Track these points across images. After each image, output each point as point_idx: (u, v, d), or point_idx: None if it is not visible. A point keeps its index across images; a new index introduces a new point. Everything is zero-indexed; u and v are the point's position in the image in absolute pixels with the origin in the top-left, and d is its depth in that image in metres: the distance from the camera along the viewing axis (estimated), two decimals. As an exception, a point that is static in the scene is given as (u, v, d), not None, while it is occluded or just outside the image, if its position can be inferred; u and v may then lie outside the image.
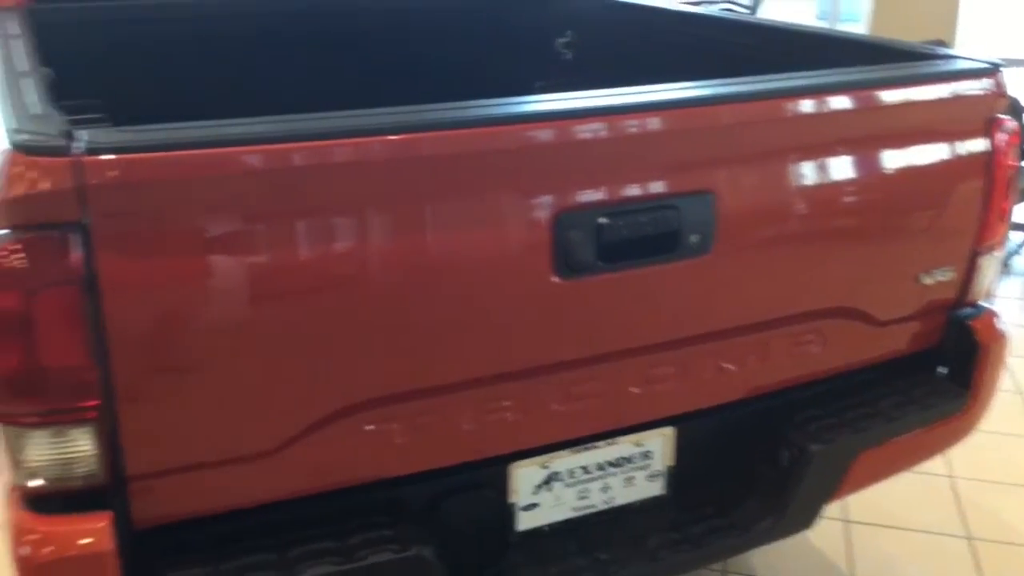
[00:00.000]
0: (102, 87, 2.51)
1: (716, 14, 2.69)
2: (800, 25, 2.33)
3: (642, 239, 1.50)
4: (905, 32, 6.70)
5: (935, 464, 2.98)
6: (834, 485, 1.81)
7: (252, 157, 1.25)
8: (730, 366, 1.71)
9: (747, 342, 1.70)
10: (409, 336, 1.40)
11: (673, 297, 1.57)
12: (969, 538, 2.65)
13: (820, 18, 13.84)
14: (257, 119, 1.30)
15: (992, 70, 1.76)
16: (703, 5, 6.73)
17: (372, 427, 1.44)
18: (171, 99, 2.59)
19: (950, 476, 2.95)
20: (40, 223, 1.18)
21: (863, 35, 2.28)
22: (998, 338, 1.93)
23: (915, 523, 2.72)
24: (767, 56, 2.29)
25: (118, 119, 2.49)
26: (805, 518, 1.81)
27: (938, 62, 1.80)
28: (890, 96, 1.67)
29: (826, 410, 1.83)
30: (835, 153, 1.65)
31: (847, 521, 2.70)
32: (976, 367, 1.91)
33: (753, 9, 7.03)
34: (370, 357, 1.39)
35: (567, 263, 1.45)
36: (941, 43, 5.21)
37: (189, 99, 2.67)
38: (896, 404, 1.87)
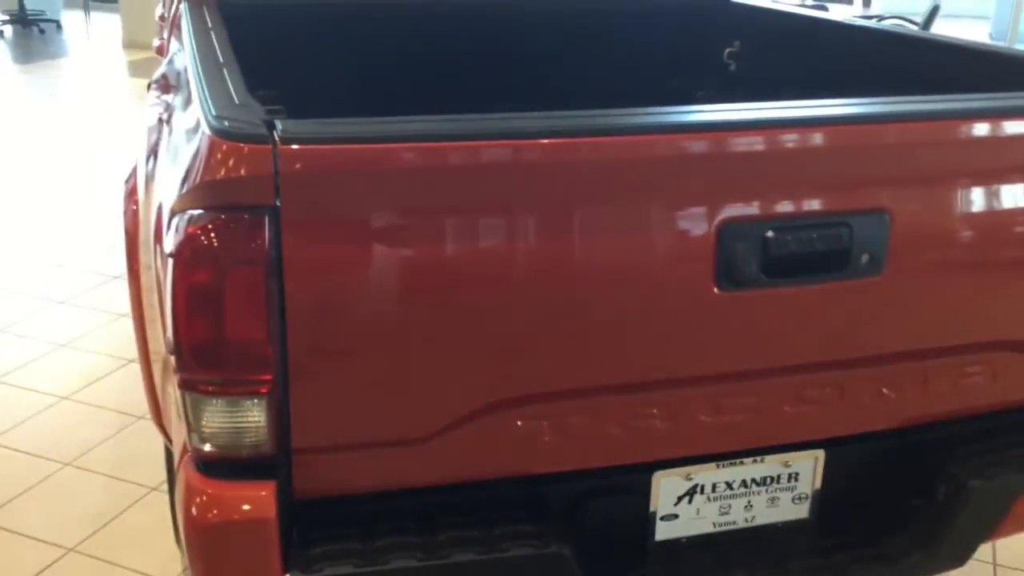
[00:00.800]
0: (281, 79, 2.64)
1: (886, 28, 2.59)
2: (976, 43, 2.22)
3: (810, 255, 1.46)
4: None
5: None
6: (992, 525, 1.73)
7: (433, 153, 1.29)
8: (889, 393, 1.65)
9: (910, 369, 1.64)
10: (565, 337, 1.42)
11: (837, 317, 1.53)
12: None
13: (995, 38, 13.17)
14: (440, 117, 1.34)
15: None
16: (874, 19, 6.50)
17: (522, 423, 1.46)
18: (345, 93, 2.71)
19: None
20: (237, 205, 1.25)
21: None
22: None
23: (1073, 575, 2.56)
24: (938, 73, 2.20)
25: (296, 111, 2.62)
26: (958, 556, 1.73)
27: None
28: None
29: (989, 446, 1.75)
30: (1013, 180, 1.57)
31: (995, 564, 2.57)
32: None
33: (925, 26, 6.74)
34: (525, 355, 1.42)
35: (729, 275, 1.43)
36: None
37: (361, 93, 2.79)
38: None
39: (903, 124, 1.48)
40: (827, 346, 1.56)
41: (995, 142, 1.54)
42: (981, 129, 1.52)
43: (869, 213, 1.48)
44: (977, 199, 1.55)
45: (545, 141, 1.33)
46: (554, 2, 3.06)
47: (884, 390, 1.65)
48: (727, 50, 3.03)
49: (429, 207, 1.32)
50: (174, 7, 2.55)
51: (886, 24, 6.46)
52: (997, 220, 1.57)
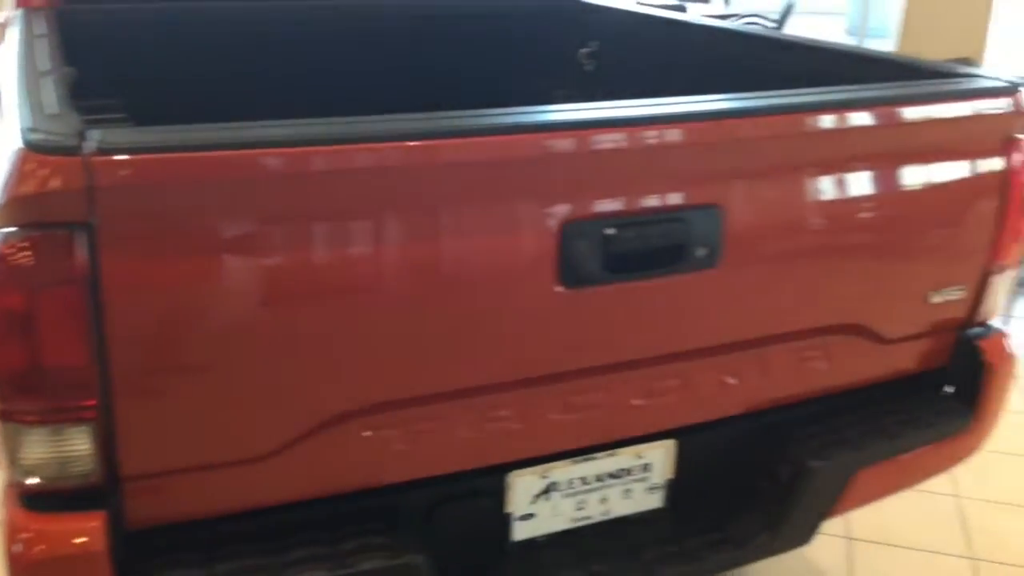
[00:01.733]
0: (125, 87, 2.52)
1: (738, 28, 2.67)
2: (821, 41, 2.30)
3: (648, 251, 1.49)
4: (933, 49, 6.65)
5: (941, 483, 2.96)
6: (833, 502, 1.80)
7: (261, 161, 1.25)
8: (733, 380, 1.70)
9: (752, 356, 1.69)
10: (410, 344, 1.40)
11: (678, 310, 1.56)
12: (972, 559, 2.63)
13: (849, 33, 13.78)
14: (268, 123, 1.30)
15: (1012, 89, 1.74)
16: (732, 19, 6.70)
17: (370, 433, 1.44)
18: (191, 100, 2.61)
19: (956, 496, 2.92)
20: (49, 222, 1.18)
21: (883, 52, 2.25)
22: (1007, 359, 1.91)
23: (918, 542, 2.70)
24: (786, 71, 2.28)
25: (140, 119, 2.51)
26: (802, 535, 1.80)
27: (957, 80, 1.79)
28: (905, 113, 1.65)
29: (828, 427, 1.82)
30: (846, 169, 1.63)
31: (850, 538, 2.69)
32: (983, 387, 1.89)
33: (780, 23, 6.99)
34: (370, 363, 1.39)
35: (571, 273, 1.44)
36: (968, 61, 5.17)
37: (210, 100, 2.69)
38: (899, 422, 1.86)
39: (731, 120, 1.52)
40: (670, 338, 1.59)
41: (824, 135, 1.60)
42: (810, 123, 1.57)
43: (702, 208, 1.51)
44: (808, 191, 1.60)
45: (379, 145, 1.31)
46: (410, 6, 3.04)
47: (728, 378, 1.69)
48: (583, 51, 3.06)
49: (258, 216, 1.27)
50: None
51: (743, 23, 6.69)
52: (829, 210, 1.63)
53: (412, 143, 1.31)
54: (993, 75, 1.78)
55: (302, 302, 1.32)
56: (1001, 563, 2.62)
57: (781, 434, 1.80)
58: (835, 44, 2.27)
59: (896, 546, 2.68)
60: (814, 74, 1.98)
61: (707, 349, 1.63)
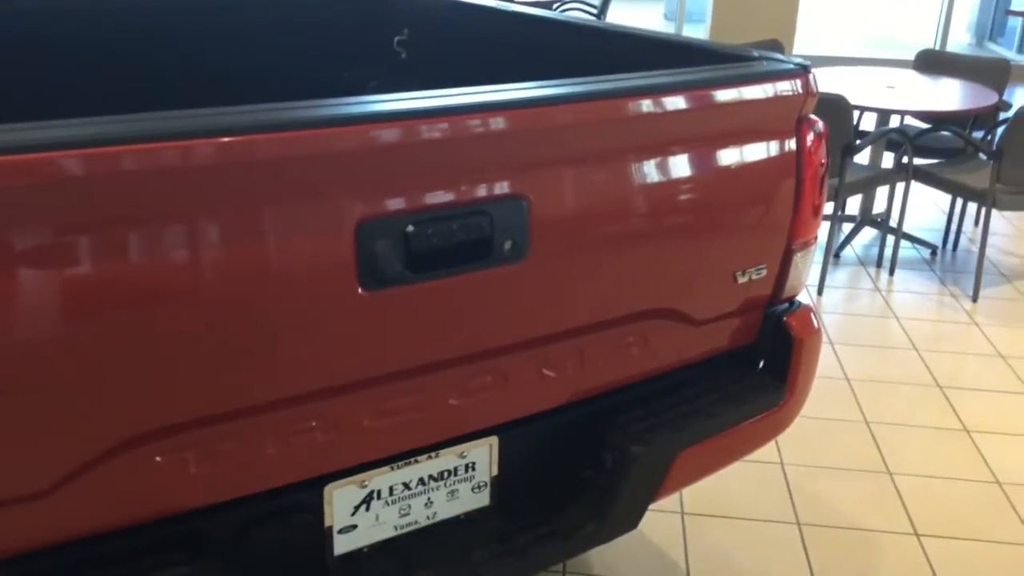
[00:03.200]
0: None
1: (548, 15, 2.66)
2: (621, 27, 2.33)
3: (453, 247, 1.45)
4: (744, 32, 6.94)
5: (768, 452, 3.08)
6: (657, 485, 1.82)
7: (48, 163, 1.13)
8: (551, 372, 1.68)
9: (567, 347, 1.68)
10: (202, 358, 1.31)
11: (489, 305, 1.53)
12: (798, 524, 2.74)
13: (668, 18, 14.24)
14: (47, 123, 1.17)
15: (802, 71, 1.79)
16: (555, 6, 6.75)
17: (162, 458, 1.34)
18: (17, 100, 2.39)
19: (781, 463, 3.04)
20: None
21: (688, 38, 2.29)
22: (812, 332, 1.98)
23: (748, 511, 2.79)
24: (593, 58, 2.29)
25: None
26: (629, 520, 1.81)
27: (751, 64, 1.83)
28: (700, 98, 1.67)
29: (648, 411, 1.84)
30: (647, 157, 1.64)
31: (683, 513, 2.75)
32: (792, 361, 1.96)
33: (601, 10, 7.11)
34: (154, 383, 1.29)
35: (372, 274, 1.38)
36: (776, 44, 5.41)
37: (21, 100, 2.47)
38: (715, 401, 1.90)
39: (532, 109, 1.49)
40: (482, 335, 1.56)
41: (622, 122, 1.60)
42: (607, 111, 1.57)
43: (507, 200, 1.49)
44: (612, 179, 1.60)
45: (159, 144, 1.20)
46: None
47: (546, 370, 1.67)
48: (396, 38, 2.99)
49: (33, 222, 1.15)
50: None
51: (563, 9, 6.76)
52: (634, 198, 1.63)
53: (185, 142, 1.22)
54: (785, 58, 1.83)
55: (71, 317, 1.20)
56: (823, 526, 2.74)
57: (603, 422, 1.80)
58: (636, 30, 2.29)
59: (728, 517, 2.76)
60: (617, 60, 1.99)
61: (521, 344, 1.61)
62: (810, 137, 1.82)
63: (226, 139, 1.24)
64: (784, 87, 1.76)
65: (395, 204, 1.39)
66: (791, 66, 1.78)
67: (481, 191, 1.46)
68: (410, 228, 1.40)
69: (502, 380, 1.63)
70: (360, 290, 1.38)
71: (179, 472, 1.35)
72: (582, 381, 1.74)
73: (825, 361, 3.68)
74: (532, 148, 1.51)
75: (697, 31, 8.77)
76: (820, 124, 1.84)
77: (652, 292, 1.74)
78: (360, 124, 1.33)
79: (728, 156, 1.74)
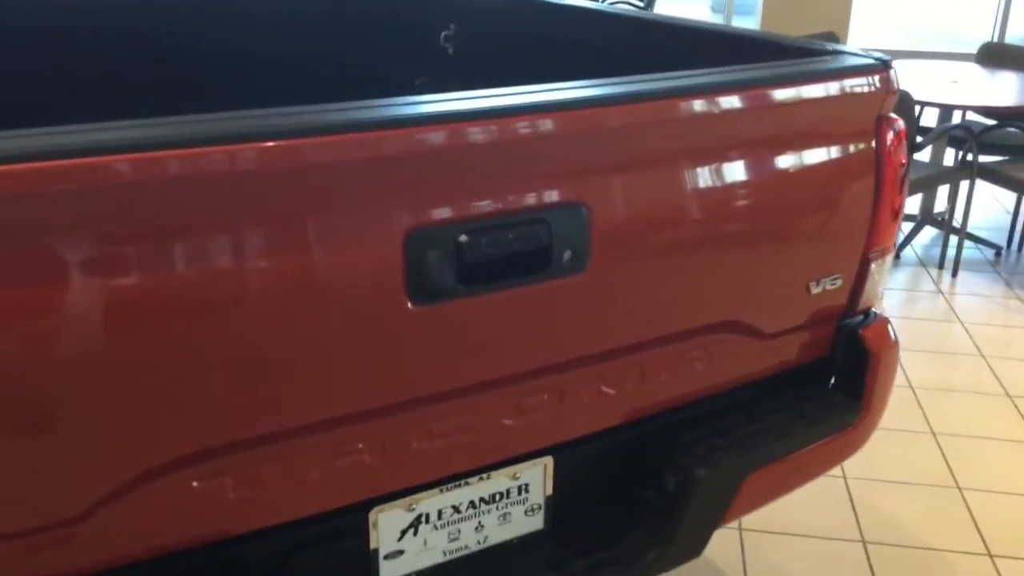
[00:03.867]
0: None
1: (601, 9, 2.55)
2: (682, 20, 2.21)
3: (508, 258, 1.34)
4: (796, 25, 6.75)
5: (829, 464, 2.94)
6: (723, 510, 1.70)
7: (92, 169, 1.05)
8: (610, 390, 1.57)
9: (628, 364, 1.57)
10: (242, 378, 1.22)
11: (546, 320, 1.43)
12: (863, 542, 2.61)
13: (715, 10, 14.00)
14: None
15: (882, 66, 1.66)
16: (601, 1, 6.61)
17: (199, 483, 1.25)
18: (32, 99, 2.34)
19: (844, 477, 2.91)
20: None
21: (749, 31, 2.16)
22: (889, 346, 1.85)
23: (811, 528, 2.66)
24: (648, 53, 2.17)
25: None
26: (693, 547, 1.69)
27: (825, 58, 1.70)
28: (773, 96, 1.55)
29: (714, 430, 1.72)
30: (716, 159, 1.52)
31: (741, 530, 2.63)
32: (868, 377, 1.83)
33: (648, 3, 6.96)
34: (192, 403, 1.20)
35: (422, 287, 1.28)
36: (832, 36, 5.23)
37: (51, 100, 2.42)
38: (786, 420, 1.78)
39: (591, 110, 1.38)
40: (540, 351, 1.46)
41: (689, 123, 1.48)
42: (673, 111, 1.46)
43: (566, 207, 1.38)
44: (677, 184, 1.49)
45: (204, 149, 1.12)
46: None
47: (605, 388, 1.57)
48: (443, 33, 2.90)
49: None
50: None
51: (611, 3, 6.63)
52: (701, 204, 1.52)
53: (222, 147, 1.13)
54: (863, 52, 1.70)
55: (94, 337, 1.12)
56: (893, 545, 2.60)
57: (665, 442, 1.69)
58: (695, 23, 2.17)
59: (789, 534, 2.63)
60: (679, 56, 1.87)
61: (580, 360, 1.50)
62: (890, 137, 1.69)
63: (271, 143, 1.15)
64: (863, 83, 1.63)
65: (446, 212, 1.29)
66: (871, 61, 1.65)
67: (538, 198, 1.36)
68: (463, 238, 1.30)
69: (558, 399, 1.52)
70: (409, 305, 1.29)
71: (217, 498, 1.27)
72: (643, 398, 1.63)
73: (888, 368, 3.52)
74: (591, 151, 1.40)
75: (746, 24, 8.57)
76: (900, 123, 1.71)
77: (718, 304, 1.62)
78: (410, 127, 1.23)
79: (802, 158, 1.62)
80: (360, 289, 1.26)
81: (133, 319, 1.13)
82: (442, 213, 1.29)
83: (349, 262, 1.24)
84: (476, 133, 1.27)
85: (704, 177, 1.51)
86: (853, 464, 2.94)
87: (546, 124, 1.33)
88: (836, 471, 2.91)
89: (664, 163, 1.47)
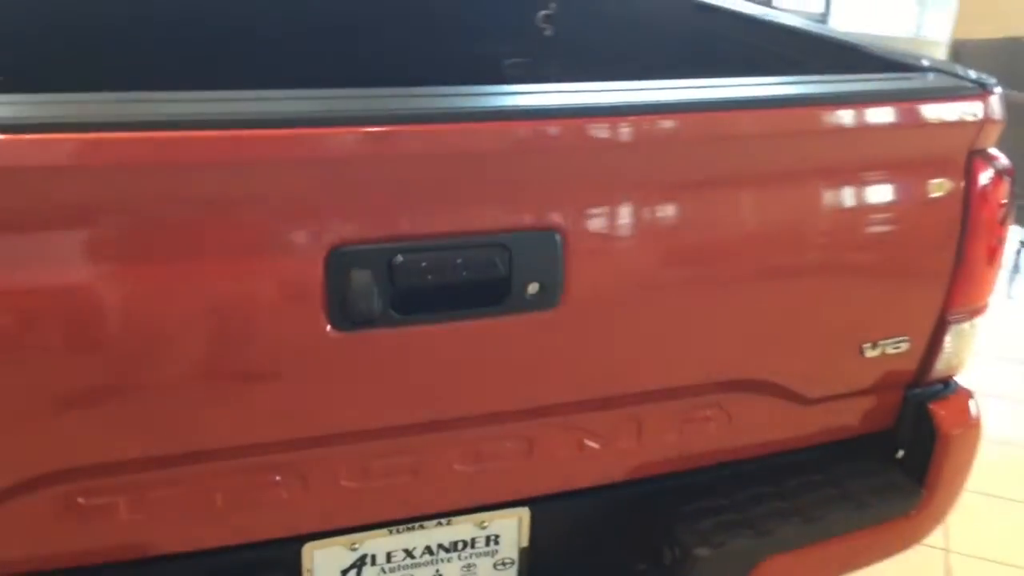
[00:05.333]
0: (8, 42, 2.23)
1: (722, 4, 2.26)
2: (804, 24, 1.88)
3: (455, 286, 1.14)
4: (996, 22, 6.02)
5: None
6: (728, 597, 1.45)
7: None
8: (595, 444, 1.35)
9: (618, 416, 1.34)
10: (133, 394, 1.09)
11: (505, 360, 1.22)
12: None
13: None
14: None
15: (979, 91, 1.34)
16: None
17: (85, 500, 1.13)
18: (87, 60, 2.31)
19: (945, 550, 2.53)
20: None
21: (828, 31, 1.83)
22: (966, 426, 1.53)
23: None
24: (772, 52, 1.88)
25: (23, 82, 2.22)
26: (686, 634, 1.45)
27: (911, 76, 1.39)
28: (834, 117, 1.27)
29: (728, 502, 1.47)
30: (743, 186, 1.26)
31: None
32: (934, 460, 1.52)
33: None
34: (88, 409, 1.09)
35: (344, 311, 1.11)
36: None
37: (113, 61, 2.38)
38: (823, 499, 1.49)
39: (584, 120, 1.15)
40: (497, 394, 1.25)
41: (710, 141, 1.23)
42: (690, 126, 1.21)
43: (535, 231, 1.16)
44: (686, 212, 1.24)
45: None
46: None
47: (587, 441, 1.35)
48: (542, 12, 2.68)
49: None
50: None
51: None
52: (717, 240, 1.26)
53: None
54: (959, 71, 1.38)
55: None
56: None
57: (668, 507, 1.45)
58: (774, 20, 1.85)
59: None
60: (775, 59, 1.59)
61: (551, 408, 1.29)
62: (985, 176, 1.36)
63: (167, 134, 1.00)
64: (950, 110, 1.31)
65: (377, 228, 1.10)
66: (964, 84, 1.33)
67: (500, 218, 1.15)
68: (397, 259, 1.11)
69: (527, 448, 1.32)
70: (329, 329, 1.11)
71: (104, 518, 1.15)
72: (640, 456, 1.40)
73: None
74: (575, 168, 1.18)
75: (940, 17, 7.80)
76: (1002, 160, 1.38)
77: (740, 359, 1.36)
78: (336, 126, 1.05)
79: (859, 193, 1.33)
80: (273, 306, 1.10)
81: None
82: (374, 230, 1.10)
83: (262, 276, 1.08)
84: (413, 138, 1.08)
85: (721, 209, 1.25)
86: (958, 535, 2.56)
87: (513, 133, 1.12)
88: (936, 541, 2.54)
89: (670, 188, 1.22)
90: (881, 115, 1.29)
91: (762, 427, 1.45)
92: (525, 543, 1.43)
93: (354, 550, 1.35)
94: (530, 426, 1.30)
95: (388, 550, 1.37)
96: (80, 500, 1.13)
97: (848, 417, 1.51)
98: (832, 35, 1.75)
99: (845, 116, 1.27)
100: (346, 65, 2.37)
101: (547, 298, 1.18)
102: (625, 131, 1.17)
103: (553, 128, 1.13)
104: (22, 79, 2.14)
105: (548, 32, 2.68)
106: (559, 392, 1.28)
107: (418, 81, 1.17)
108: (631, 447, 1.37)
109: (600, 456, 1.37)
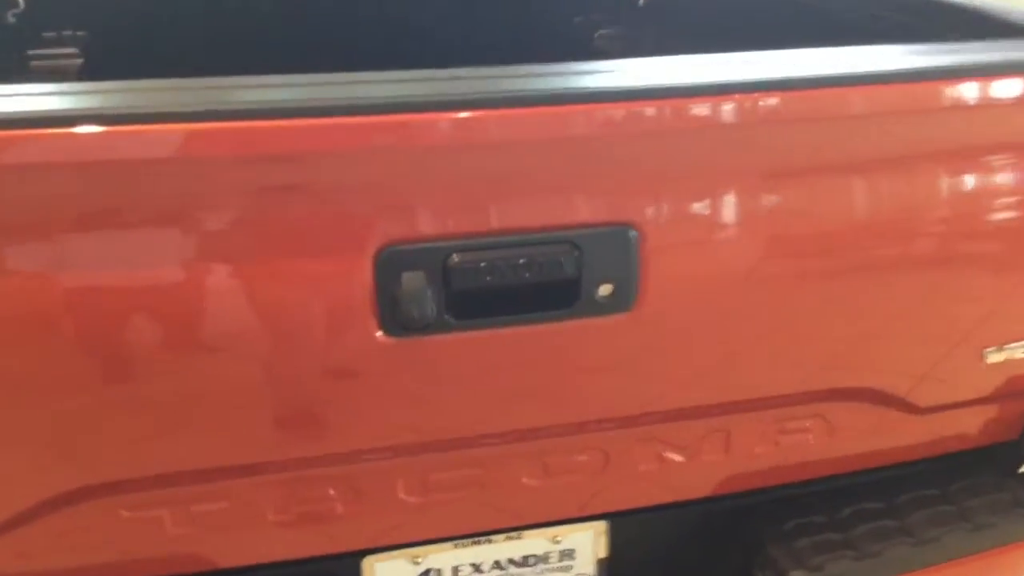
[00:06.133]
0: (86, 19, 2.21)
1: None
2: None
3: (519, 288, 1.04)
4: None
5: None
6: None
7: None
8: (678, 457, 1.23)
9: (702, 428, 1.22)
10: (184, 398, 1.02)
11: (574, 367, 1.11)
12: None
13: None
14: None
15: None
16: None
17: (129, 513, 1.08)
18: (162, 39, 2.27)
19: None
20: None
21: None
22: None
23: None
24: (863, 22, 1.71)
25: (97, 62, 2.20)
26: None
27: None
28: (956, 92, 1.11)
29: (831, 520, 1.33)
30: (854, 171, 1.11)
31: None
32: (1069, 478, 1.35)
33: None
34: (128, 427, 1.03)
35: (396, 316, 1.01)
36: None
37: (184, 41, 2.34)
38: (937, 518, 1.34)
39: (679, 101, 1.02)
40: (566, 404, 1.15)
41: (808, 119, 1.08)
42: (786, 103, 1.06)
43: (608, 227, 1.04)
44: (779, 199, 1.10)
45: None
46: None
47: (669, 454, 1.23)
48: None
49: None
50: None
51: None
52: (813, 232, 1.12)
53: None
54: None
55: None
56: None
57: (759, 523, 1.33)
58: None
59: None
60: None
61: (626, 419, 1.17)
62: None
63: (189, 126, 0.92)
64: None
65: (432, 225, 1.00)
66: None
67: (568, 212, 1.03)
68: (454, 259, 1.01)
69: (601, 462, 1.21)
70: (380, 335, 1.02)
71: (153, 532, 1.09)
72: (728, 470, 1.27)
73: None
74: (652, 156, 1.05)
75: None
76: None
77: (844, 364, 1.22)
78: (384, 113, 0.95)
79: (989, 176, 1.16)
80: (319, 313, 1.01)
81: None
82: (428, 227, 1.00)
83: (307, 279, 1.00)
84: (472, 125, 0.97)
85: (830, 190, 1.11)
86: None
87: (581, 117, 1.00)
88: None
89: (756, 174, 1.08)
90: (1011, 88, 1.12)
91: (867, 438, 1.31)
92: (603, 556, 1.33)
93: (417, 564, 1.27)
94: (604, 438, 1.18)
95: (454, 564, 1.28)
96: (135, 513, 1.08)
97: (965, 427, 1.35)
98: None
99: (973, 90, 1.11)
100: (432, 40, 2.27)
101: (621, 300, 1.06)
102: (726, 112, 1.02)
103: (642, 110, 1.00)
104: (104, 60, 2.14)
105: (641, 1, 2.53)
106: (634, 402, 1.16)
107: (501, 57, 1.06)
108: (718, 460, 1.25)
109: (683, 469, 1.25)
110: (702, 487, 1.28)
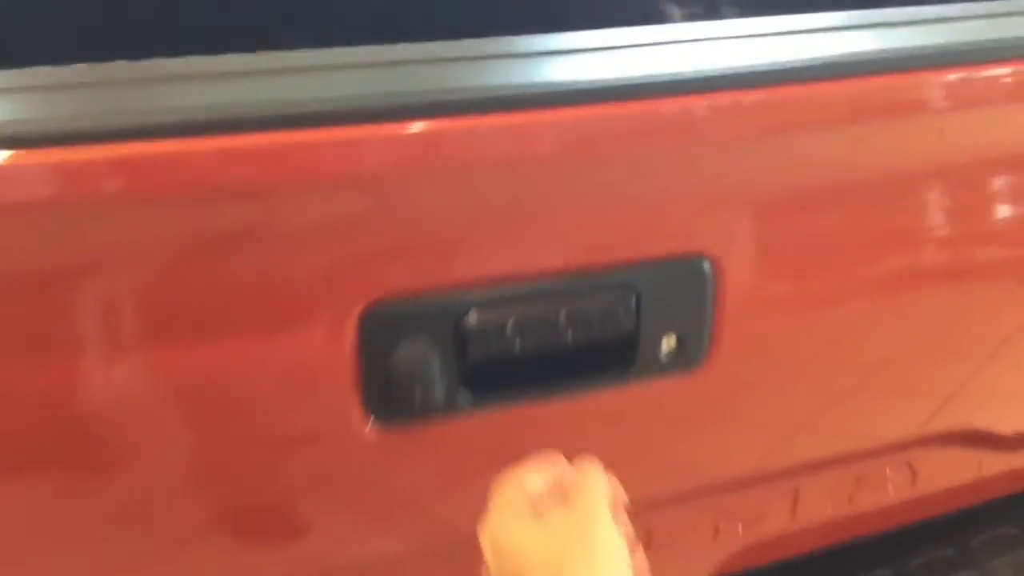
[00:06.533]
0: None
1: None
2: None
3: (554, 349, 0.75)
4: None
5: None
6: None
7: None
8: (734, 527, 0.99)
9: (767, 493, 0.97)
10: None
11: (615, 444, 0.84)
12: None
13: None
14: None
15: None
16: None
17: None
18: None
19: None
20: None
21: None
22: None
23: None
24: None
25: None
26: None
27: None
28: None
29: (895, 572, 1.12)
30: (936, 181, 0.85)
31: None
32: None
33: None
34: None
35: (391, 397, 0.72)
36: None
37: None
38: (1019, 563, 1.14)
39: (768, 89, 0.73)
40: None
41: (901, 115, 0.81)
42: (873, 93, 0.78)
43: (673, 263, 0.77)
44: (868, 217, 0.83)
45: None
46: None
47: (723, 524, 0.98)
48: None
49: None
50: None
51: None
52: (908, 255, 0.86)
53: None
54: None
55: None
56: None
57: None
58: None
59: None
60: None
61: (682, 495, 0.92)
62: None
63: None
64: None
65: (440, 272, 0.71)
66: None
67: (618, 246, 0.75)
68: (471, 319, 0.72)
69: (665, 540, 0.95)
70: (369, 424, 0.73)
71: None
72: (792, 535, 1.03)
73: None
74: (719, 167, 0.77)
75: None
76: None
77: (953, 409, 0.98)
78: (372, 121, 0.65)
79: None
80: (282, 400, 0.71)
81: None
82: (431, 274, 0.71)
83: (261, 356, 0.69)
84: (479, 134, 0.67)
85: (912, 214, 0.85)
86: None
87: (626, 120, 0.71)
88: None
89: (840, 185, 0.81)
90: None
91: (951, 481, 1.08)
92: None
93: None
94: (649, 518, 0.92)
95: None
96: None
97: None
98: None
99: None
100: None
101: (688, 356, 0.79)
102: (846, 99, 0.75)
103: (717, 102, 0.72)
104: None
105: None
106: (690, 476, 0.90)
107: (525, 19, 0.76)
108: (781, 525, 1.01)
109: (739, 540, 1.00)
110: (755, 556, 1.04)
